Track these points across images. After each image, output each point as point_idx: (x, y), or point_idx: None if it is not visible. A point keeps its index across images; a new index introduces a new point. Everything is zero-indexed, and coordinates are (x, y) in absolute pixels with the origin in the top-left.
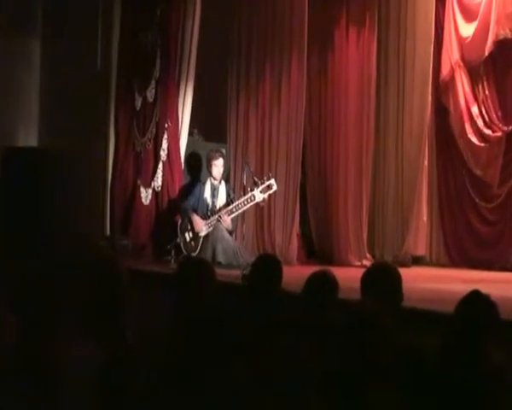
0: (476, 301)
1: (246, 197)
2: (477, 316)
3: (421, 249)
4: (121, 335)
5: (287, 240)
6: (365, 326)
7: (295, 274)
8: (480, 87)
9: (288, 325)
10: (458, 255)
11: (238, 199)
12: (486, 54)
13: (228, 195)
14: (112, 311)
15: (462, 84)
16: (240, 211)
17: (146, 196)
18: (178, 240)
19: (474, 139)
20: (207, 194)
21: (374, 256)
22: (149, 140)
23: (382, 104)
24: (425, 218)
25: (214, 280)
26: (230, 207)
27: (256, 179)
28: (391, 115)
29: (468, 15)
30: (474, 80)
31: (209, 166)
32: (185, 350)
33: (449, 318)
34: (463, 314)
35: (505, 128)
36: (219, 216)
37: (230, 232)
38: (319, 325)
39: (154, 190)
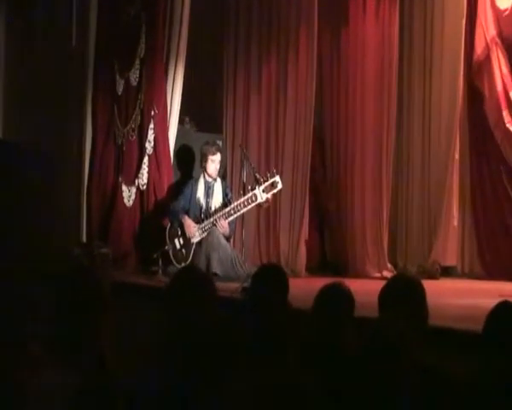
0: (506, 313)
1: (246, 197)
2: (507, 331)
3: (452, 259)
4: (99, 358)
5: (294, 247)
6: (385, 349)
7: (304, 287)
8: None
9: (294, 345)
10: (495, 266)
11: (237, 199)
12: None
13: (225, 194)
14: (88, 330)
15: (499, 65)
16: (239, 213)
17: (129, 196)
18: (167, 247)
19: None
20: (201, 194)
21: (396, 267)
22: (133, 130)
23: (406, 89)
24: (456, 222)
25: (215, 295)
26: (228, 208)
27: (258, 176)
28: (416, 102)
29: None
30: None
31: (204, 162)
32: (180, 378)
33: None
34: (492, 331)
35: None
36: (215, 220)
37: (228, 238)
38: (331, 348)
39: (138, 188)
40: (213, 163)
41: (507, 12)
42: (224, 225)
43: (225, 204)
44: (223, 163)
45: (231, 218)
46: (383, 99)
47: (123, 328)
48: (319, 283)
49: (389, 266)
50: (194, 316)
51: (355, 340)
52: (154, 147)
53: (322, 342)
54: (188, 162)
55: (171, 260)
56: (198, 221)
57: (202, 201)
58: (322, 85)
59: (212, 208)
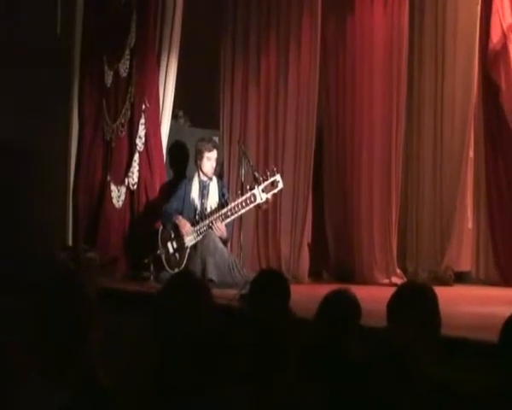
0: None
1: (244, 198)
2: None
3: (466, 264)
4: (89, 370)
5: (296, 251)
6: (394, 362)
7: (306, 294)
8: None
9: (295, 356)
10: None
11: (234, 200)
12: None
13: (221, 195)
14: (74, 342)
15: None
16: (236, 215)
17: (118, 196)
18: (159, 252)
19: None
20: (195, 194)
21: (406, 272)
22: (122, 125)
23: (416, 82)
24: (470, 224)
25: (211, 303)
26: (225, 210)
27: (257, 175)
28: (427, 95)
29: None
30: None
31: (199, 160)
32: (172, 392)
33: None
34: (509, 341)
35: None
36: (211, 222)
37: (225, 242)
38: (335, 360)
39: (128, 188)
40: (209, 161)
41: None
42: (220, 228)
43: (222, 205)
44: (219, 161)
45: (228, 220)
46: (392, 92)
47: (111, 338)
48: (323, 289)
49: (398, 271)
50: (188, 325)
51: (361, 351)
52: (146, 143)
53: (325, 354)
54: (181, 160)
55: (164, 266)
56: (192, 223)
57: (197, 201)
58: (326, 78)
59: (208, 210)
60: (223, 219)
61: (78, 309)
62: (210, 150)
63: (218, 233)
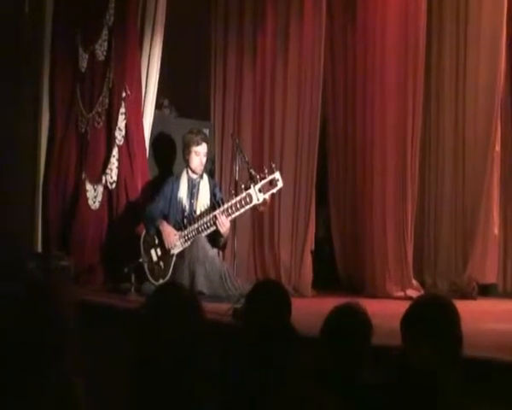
0: None
1: (239, 198)
2: None
3: (491, 275)
4: (62, 389)
5: (297, 260)
6: (409, 386)
7: (310, 309)
8: None
9: (295, 379)
10: None
11: (228, 201)
12: None
13: (213, 195)
14: (47, 359)
15: None
16: (230, 218)
17: (94, 196)
18: (141, 260)
19: None
20: (183, 193)
21: (423, 284)
22: (99, 116)
23: (434, 67)
24: (496, 230)
25: (202, 318)
26: (217, 212)
27: (253, 173)
28: (446, 83)
29: None
30: None
31: (187, 155)
32: None
33: None
34: None
35: None
36: (214, 216)
37: (223, 246)
38: (343, 384)
39: (105, 187)
40: (197, 156)
41: None
42: (225, 224)
43: (213, 206)
44: (210, 156)
45: (233, 216)
46: (408, 77)
47: (88, 358)
48: (328, 304)
49: (415, 283)
50: (175, 345)
51: (373, 375)
52: (126, 136)
53: (331, 378)
54: (167, 155)
55: (147, 276)
56: (180, 227)
57: (185, 202)
58: (332, 61)
59: (198, 212)
60: (228, 214)
61: (49, 323)
62: (198, 144)
63: (222, 230)
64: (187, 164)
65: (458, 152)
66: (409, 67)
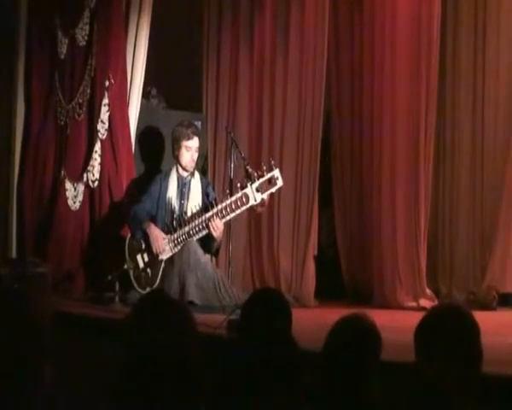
0: None
1: (234, 198)
2: None
3: None
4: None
5: (298, 266)
6: (423, 404)
7: (312, 321)
8: None
9: (297, 398)
10: None
11: (222, 201)
12: None
13: (206, 194)
14: (22, 377)
15: None
16: (225, 220)
17: (74, 195)
18: (126, 266)
19: None
20: (173, 193)
21: (437, 294)
22: (80, 107)
23: (449, 55)
24: None
25: (193, 331)
26: (210, 213)
27: (250, 170)
28: (463, 74)
29: None
30: None
31: (176, 150)
32: None
33: None
34: None
35: None
36: (207, 219)
37: (216, 251)
38: (349, 403)
39: (87, 186)
40: (189, 151)
41: None
42: (218, 227)
43: (206, 207)
44: (202, 152)
45: (227, 218)
46: (421, 68)
47: (66, 373)
48: (333, 315)
49: (428, 292)
50: (162, 359)
51: (382, 395)
52: (110, 129)
53: (336, 397)
54: (155, 150)
55: (133, 284)
56: (169, 231)
57: (175, 203)
58: (338, 48)
59: (189, 213)
60: (223, 216)
61: (24, 337)
62: (189, 138)
63: (215, 234)
64: (177, 160)
65: (476, 153)
66: (421, 62)
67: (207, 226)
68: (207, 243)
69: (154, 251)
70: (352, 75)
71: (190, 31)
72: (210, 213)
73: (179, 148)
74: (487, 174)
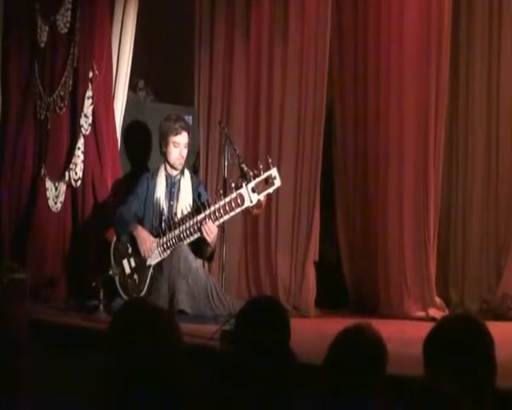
0: None
1: (228, 199)
2: None
3: None
4: None
5: (298, 273)
6: None
7: (312, 331)
8: None
9: None
10: None
11: (215, 202)
12: None
13: (197, 195)
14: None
15: None
16: (218, 223)
17: (56, 195)
18: (111, 272)
19: None
20: (161, 193)
21: (448, 303)
22: (62, 100)
23: (464, 49)
24: None
25: (180, 342)
26: (202, 215)
27: (246, 169)
28: (477, 70)
29: None
30: None
31: (164, 147)
32: None
33: None
34: None
35: None
36: (198, 222)
37: (209, 256)
38: None
39: (69, 185)
40: (177, 148)
41: None
42: (212, 230)
43: (198, 209)
44: (193, 148)
45: (221, 221)
46: (430, 62)
47: (45, 387)
48: (335, 325)
49: (438, 301)
50: (147, 373)
51: (387, 409)
52: (93, 124)
53: None
54: (142, 147)
55: (118, 291)
56: (157, 234)
57: (163, 204)
58: (341, 40)
59: (179, 215)
60: (216, 218)
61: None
62: (177, 133)
63: (208, 238)
64: (164, 158)
65: (491, 155)
66: (431, 55)
67: (199, 230)
68: (200, 247)
69: (143, 254)
70: (356, 67)
71: (181, 18)
72: (202, 216)
73: (167, 144)
74: (502, 176)
